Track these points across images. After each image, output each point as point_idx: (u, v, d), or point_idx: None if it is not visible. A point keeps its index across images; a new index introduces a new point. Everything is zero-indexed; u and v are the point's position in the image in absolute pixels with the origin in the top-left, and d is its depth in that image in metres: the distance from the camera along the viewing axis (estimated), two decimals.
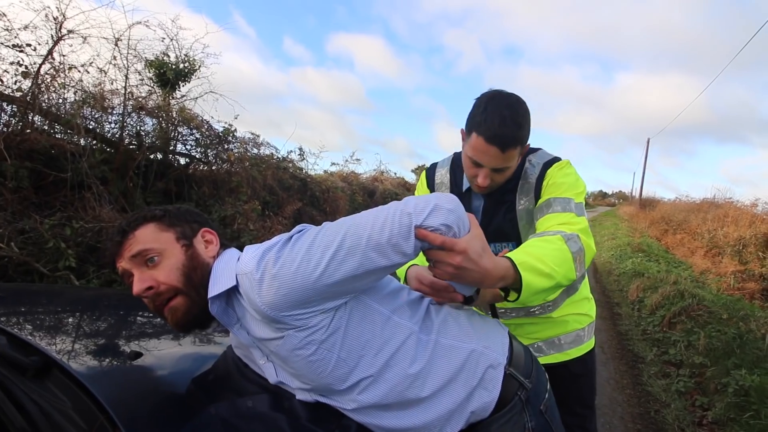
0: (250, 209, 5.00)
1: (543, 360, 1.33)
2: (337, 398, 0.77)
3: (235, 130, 5.67)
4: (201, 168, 5.53)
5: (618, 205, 45.42)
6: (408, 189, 11.66)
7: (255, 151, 6.26)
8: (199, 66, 5.69)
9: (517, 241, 1.23)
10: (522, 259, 0.84)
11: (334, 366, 0.72)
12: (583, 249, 0.98)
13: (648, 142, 24.68)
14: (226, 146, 5.62)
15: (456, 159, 1.35)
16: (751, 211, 9.42)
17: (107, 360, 0.85)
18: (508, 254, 0.86)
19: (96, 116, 4.38)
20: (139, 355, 0.85)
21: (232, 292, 0.74)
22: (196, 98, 5.64)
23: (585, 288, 1.41)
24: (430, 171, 1.40)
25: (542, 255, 0.87)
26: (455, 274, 0.76)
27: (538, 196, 1.18)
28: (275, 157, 6.82)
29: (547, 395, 0.89)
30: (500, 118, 1.04)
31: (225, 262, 0.77)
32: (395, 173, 12.40)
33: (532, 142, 1.18)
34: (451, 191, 1.32)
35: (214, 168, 5.50)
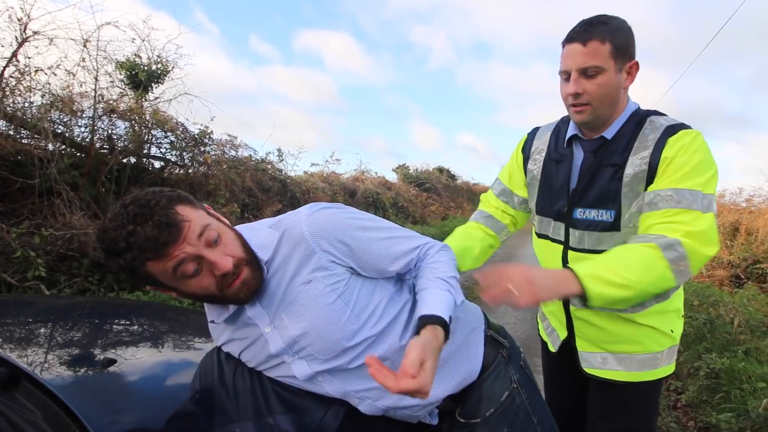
0: (229, 212, 4.92)
1: (606, 374, 1.17)
2: (339, 360, 0.79)
3: (212, 132, 5.57)
4: (177, 171, 5.41)
5: None
6: (389, 188, 11.66)
7: (233, 153, 6.17)
8: (173, 67, 5.57)
9: (617, 210, 1.07)
10: (589, 271, 0.88)
11: (347, 320, 0.78)
12: (687, 256, 0.90)
13: None
14: (202, 149, 5.51)
15: (562, 119, 1.24)
16: (719, 201, 9.84)
17: (80, 369, 0.82)
18: (576, 266, 0.91)
19: (64, 120, 4.23)
20: (112, 362, 0.83)
21: None
22: (170, 100, 5.51)
23: (678, 299, 1.19)
24: (532, 133, 1.30)
25: (617, 266, 0.88)
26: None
27: (654, 167, 1.01)
28: (253, 159, 6.73)
29: (521, 353, 1.02)
30: (584, 21, 1.03)
31: (251, 230, 0.83)
32: (376, 173, 12.37)
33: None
34: (548, 155, 1.21)
35: (190, 171, 5.38)
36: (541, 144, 1.25)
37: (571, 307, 1.21)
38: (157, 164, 5.29)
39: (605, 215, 1.08)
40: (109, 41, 4.75)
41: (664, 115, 1.09)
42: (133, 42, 5.15)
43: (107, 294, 3.31)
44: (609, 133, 1.09)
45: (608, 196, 1.07)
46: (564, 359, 1.30)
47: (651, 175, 1.01)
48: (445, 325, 0.72)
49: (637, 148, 1.04)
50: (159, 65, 5.45)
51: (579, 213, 1.12)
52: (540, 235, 1.27)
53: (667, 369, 1.19)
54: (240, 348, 0.87)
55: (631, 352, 1.16)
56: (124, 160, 4.68)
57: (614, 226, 1.07)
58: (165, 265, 0.69)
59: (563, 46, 1.05)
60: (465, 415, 0.90)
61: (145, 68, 5.25)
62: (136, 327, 1.20)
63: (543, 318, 1.41)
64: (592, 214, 1.10)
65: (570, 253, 1.16)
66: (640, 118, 1.08)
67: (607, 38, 0.99)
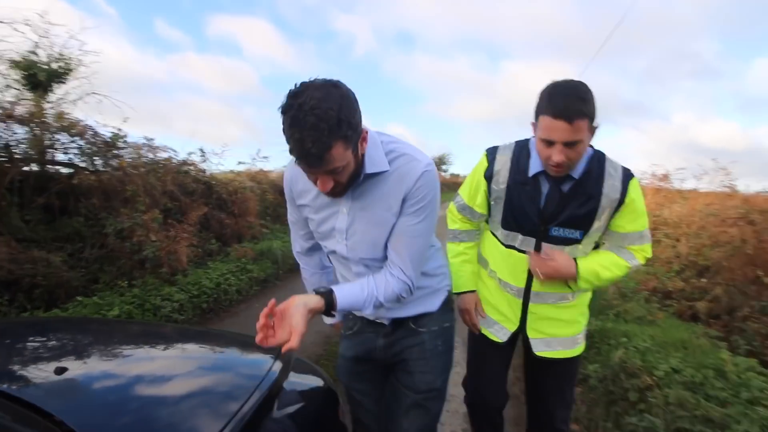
0: (150, 219, 4.75)
1: (553, 354, 1.51)
2: (368, 262, 1.14)
3: (126, 135, 5.29)
4: (88, 178, 5.08)
5: None
6: None
7: (150, 156, 5.88)
8: (77, 65, 5.19)
9: (585, 230, 1.37)
10: (587, 266, 1.41)
11: (385, 244, 1.10)
12: (639, 266, 1.46)
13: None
14: (115, 152, 5.21)
15: (519, 146, 1.44)
16: None
17: (33, 377, 0.93)
18: (580, 261, 1.42)
19: None
20: (64, 369, 0.95)
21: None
22: (76, 101, 5.15)
23: (589, 294, 1.58)
24: (491, 155, 1.47)
25: (603, 269, 1.42)
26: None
27: (620, 203, 1.34)
28: (174, 161, 6.46)
29: None
30: (564, 96, 1.18)
31: (374, 148, 1.03)
32: None
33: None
34: (512, 177, 1.43)
35: (103, 177, 5.08)
36: (500, 166, 1.44)
37: (530, 305, 1.50)
38: (65, 171, 4.94)
39: (575, 234, 1.38)
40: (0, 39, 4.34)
41: (606, 155, 1.40)
42: (35, 44, 4.73)
43: (19, 314, 3.13)
44: (576, 173, 1.34)
45: (578, 219, 1.36)
46: (506, 346, 1.58)
47: (618, 206, 1.35)
48: (330, 304, 0.99)
49: (607, 183, 1.33)
50: (61, 63, 5.06)
51: (555, 231, 1.39)
52: (507, 246, 1.49)
53: (584, 346, 1.59)
54: (316, 210, 1.15)
55: (567, 335, 1.51)
56: (26, 169, 4.34)
57: (579, 241, 1.40)
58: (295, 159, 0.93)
59: (545, 116, 1.22)
60: (417, 325, 1.26)
61: (45, 67, 4.85)
62: (72, 343, 1.28)
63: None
64: (565, 232, 1.39)
65: None
66: (598, 158, 1.36)
67: (587, 115, 1.18)
